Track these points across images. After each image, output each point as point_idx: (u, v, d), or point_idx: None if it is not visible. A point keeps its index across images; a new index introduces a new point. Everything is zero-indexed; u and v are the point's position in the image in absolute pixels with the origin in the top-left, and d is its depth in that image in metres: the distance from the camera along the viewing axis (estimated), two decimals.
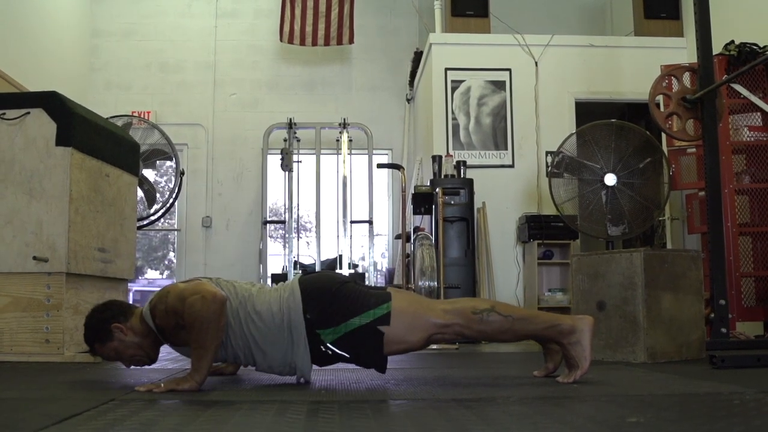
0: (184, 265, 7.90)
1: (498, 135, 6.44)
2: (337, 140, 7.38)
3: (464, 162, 6.12)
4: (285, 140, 7.29)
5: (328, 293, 2.26)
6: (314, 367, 2.34)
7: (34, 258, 3.07)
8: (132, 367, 2.40)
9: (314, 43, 7.71)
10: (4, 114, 3.17)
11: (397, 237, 6.37)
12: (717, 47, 3.97)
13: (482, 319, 2.23)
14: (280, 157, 7.14)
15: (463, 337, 2.30)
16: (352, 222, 7.29)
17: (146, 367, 2.41)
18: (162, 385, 2.04)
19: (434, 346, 4.62)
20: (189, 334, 2.12)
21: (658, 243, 6.45)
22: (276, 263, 7.65)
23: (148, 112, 7.55)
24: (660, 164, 4.55)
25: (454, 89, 6.46)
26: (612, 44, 6.71)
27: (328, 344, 2.24)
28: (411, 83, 7.89)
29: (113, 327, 2.28)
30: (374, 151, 7.50)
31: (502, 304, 2.32)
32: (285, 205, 7.36)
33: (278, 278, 6.96)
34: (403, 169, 5.49)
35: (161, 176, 9.86)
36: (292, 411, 1.63)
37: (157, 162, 6.41)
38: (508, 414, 1.59)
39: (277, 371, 2.32)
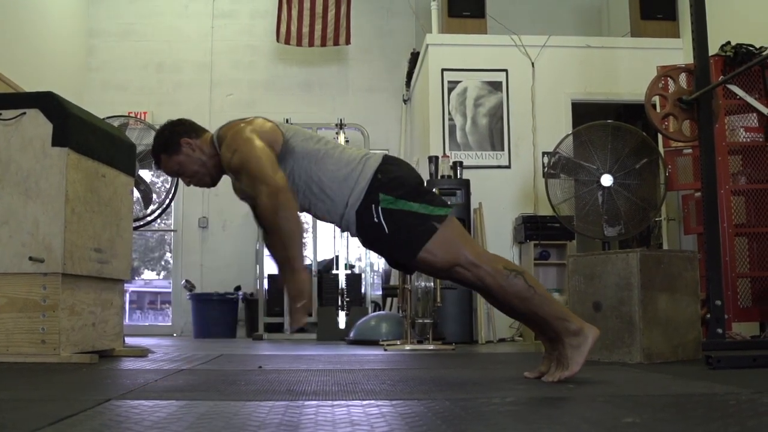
0: (180, 265, 7.89)
1: (494, 136, 6.44)
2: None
3: (461, 163, 6.12)
4: None
5: (403, 172, 2.40)
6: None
7: (30, 258, 3.06)
8: (190, 185, 2.54)
9: (311, 44, 7.71)
10: (0, 114, 3.17)
11: None
12: (713, 48, 3.98)
13: (508, 277, 2.29)
14: None
15: (483, 286, 2.33)
16: None
17: (142, 367, 2.41)
18: (298, 306, 2.20)
19: (431, 347, 4.62)
20: (266, 225, 2.28)
21: (654, 244, 6.45)
22: (272, 264, 7.64)
23: (145, 113, 7.54)
24: (656, 165, 4.56)
25: (450, 90, 6.46)
26: (608, 45, 6.72)
27: (380, 208, 2.31)
28: (408, 84, 7.89)
29: (183, 141, 2.44)
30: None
31: (532, 276, 2.37)
32: None
33: (275, 278, 6.96)
34: None
35: (158, 177, 9.83)
36: (290, 410, 1.63)
37: (154, 162, 6.40)
38: (503, 414, 1.60)
39: (329, 218, 2.43)
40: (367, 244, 2.48)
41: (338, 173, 2.35)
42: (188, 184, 2.54)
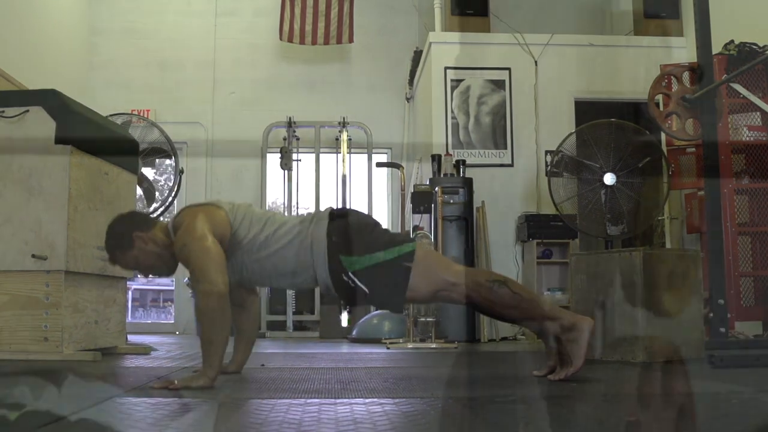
0: None
1: (497, 134, 6.43)
2: (337, 139, 7.37)
3: (463, 161, 6.12)
4: (284, 139, 7.29)
5: (354, 225, 2.37)
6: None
7: (33, 256, 3.06)
8: (150, 277, 2.47)
9: (314, 42, 7.70)
10: (3, 112, 3.17)
11: None
12: (716, 47, 3.96)
13: (491, 289, 2.28)
14: (279, 155, 7.14)
15: (469, 302, 2.33)
16: None
17: (146, 365, 2.41)
18: (176, 382, 2.04)
19: (433, 345, 4.62)
20: (197, 326, 2.16)
21: (657, 242, 6.44)
22: None
23: (148, 111, 7.54)
24: (659, 164, 4.55)
25: (453, 88, 6.45)
26: (611, 43, 6.71)
27: (350, 273, 2.30)
28: (410, 82, 7.88)
29: (135, 235, 2.37)
30: (373, 150, 7.50)
31: (515, 282, 2.37)
32: (284, 204, 7.36)
33: None
34: (403, 167, 5.50)
35: (160, 174, 9.83)
36: (293, 408, 1.63)
37: (157, 160, 6.40)
38: (506, 413, 1.59)
39: (297, 288, 2.40)
40: (353, 304, 2.50)
41: (287, 252, 2.34)
42: (146, 276, 2.52)
